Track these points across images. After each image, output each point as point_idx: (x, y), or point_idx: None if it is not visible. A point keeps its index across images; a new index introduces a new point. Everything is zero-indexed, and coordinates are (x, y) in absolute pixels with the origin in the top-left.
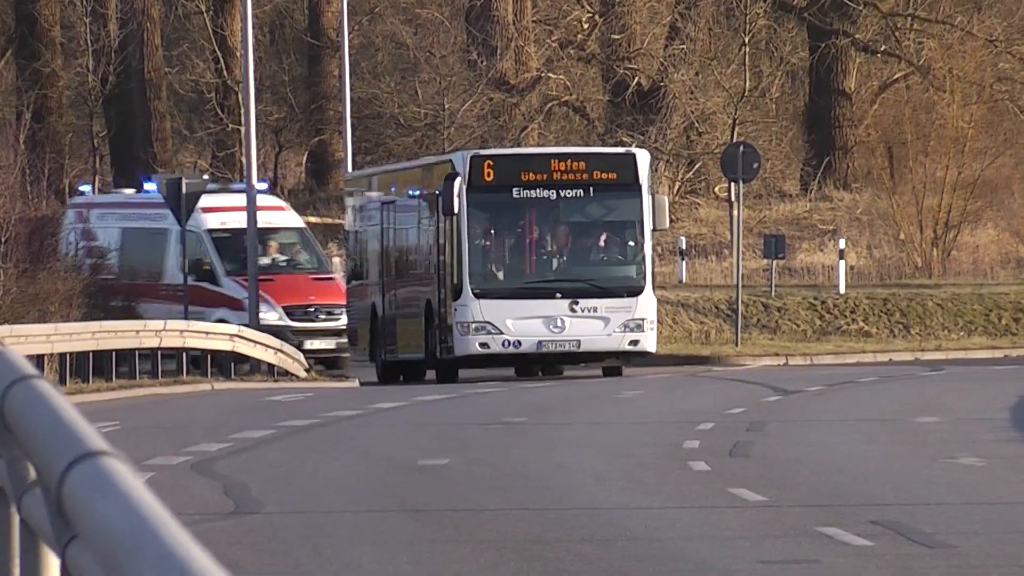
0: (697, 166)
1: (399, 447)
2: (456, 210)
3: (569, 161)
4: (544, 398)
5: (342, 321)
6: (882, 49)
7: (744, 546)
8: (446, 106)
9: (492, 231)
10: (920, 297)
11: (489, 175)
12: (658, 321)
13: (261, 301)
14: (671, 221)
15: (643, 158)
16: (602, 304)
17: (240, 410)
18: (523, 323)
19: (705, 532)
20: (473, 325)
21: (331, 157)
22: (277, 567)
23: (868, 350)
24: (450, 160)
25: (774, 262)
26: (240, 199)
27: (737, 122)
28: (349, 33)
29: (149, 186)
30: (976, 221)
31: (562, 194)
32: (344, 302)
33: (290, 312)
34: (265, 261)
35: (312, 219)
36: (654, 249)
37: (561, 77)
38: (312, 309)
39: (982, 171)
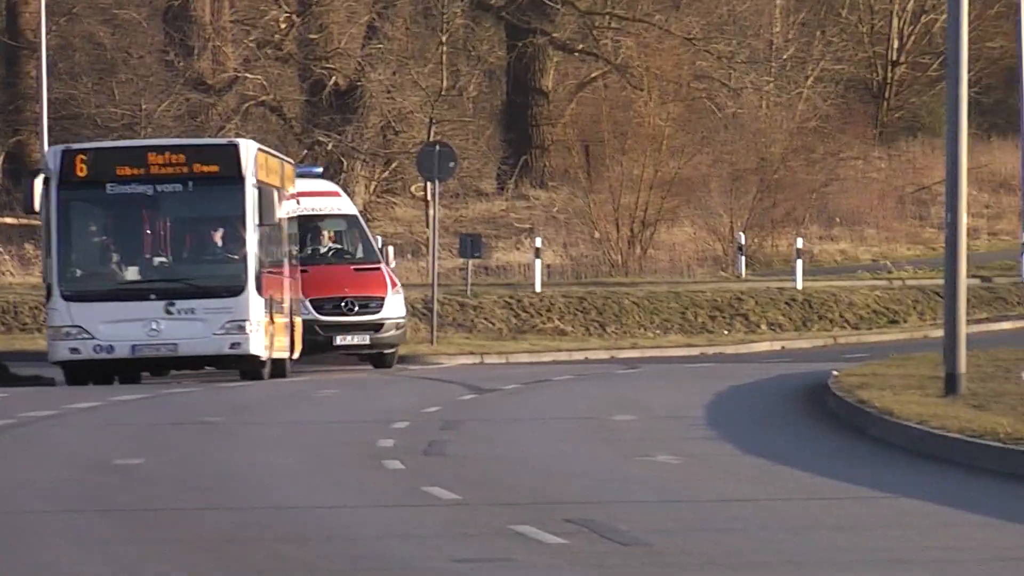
0: (394, 165)
1: (95, 447)
2: (35, 208)
3: (167, 154)
4: (241, 398)
5: (382, 314)
6: (580, 48)
7: (438, 545)
8: (143, 106)
9: (84, 230)
10: (616, 295)
11: (82, 170)
12: None
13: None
14: (367, 220)
15: (247, 149)
16: (200, 305)
17: None
18: (116, 327)
19: (399, 531)
20: (63, 329)
21: (28, 158)
22: None
23: (564, 348)
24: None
25: (470, 261)
26: (308, 184)
27: (434, 121)
28: (47, 33)
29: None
30: (673, 219)
31: (160, 189)
32: (385, 294)
33: (318, 305)
34: (315, 251)
35: (9, 220)
36: (263, 245)
37: (258, 77)
38: (344, 302)
39: (679, 169)
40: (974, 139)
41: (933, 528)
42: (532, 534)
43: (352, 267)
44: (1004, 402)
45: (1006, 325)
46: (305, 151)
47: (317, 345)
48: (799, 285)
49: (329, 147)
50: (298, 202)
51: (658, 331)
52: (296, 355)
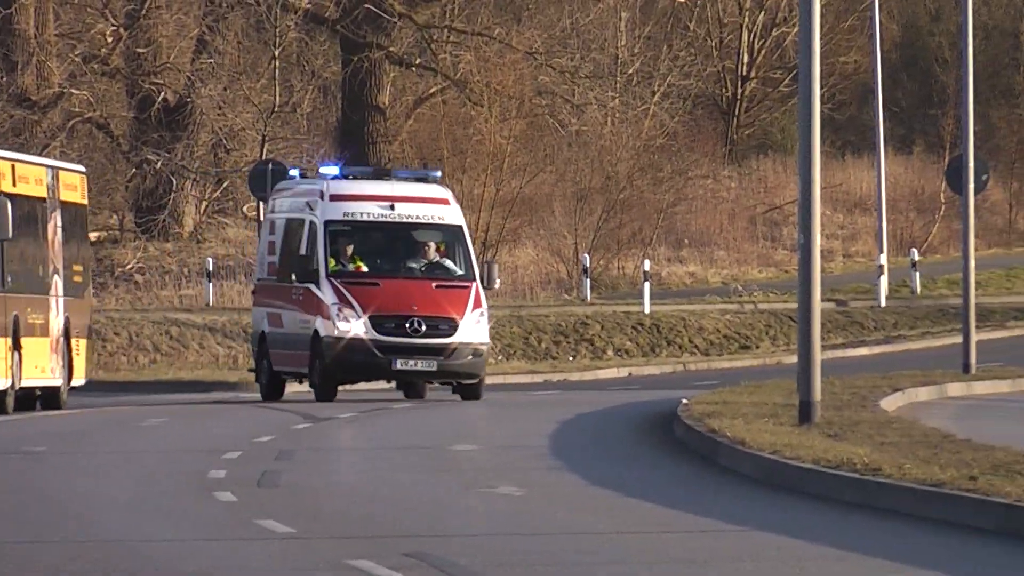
0: (225, 184)
1: None
2: None
3: None
4: (65, 426)
5: (455, 338)
6: (417, 62)
7: None
8: None
9: None
10: None
11: None
12: (184, 346)
13: (345, 308)
14: (199, 242)
15: None
16: None
17: None
18: None
19: (232, 564)
20: None
21: None
22: None
23: None
24: None
25: None
26: (411, 188)
27: (267, 138)
28: None
29: (326, 170)
30: (515, 240)
31: None
32: (460, 316)
33: (378, 324)
34: (399, 262)
35: None
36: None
37: (84, 93)
38: (410, 322)
39: (521, 188)
40: (827, 157)
41: (787, 562)
42: (369, 568)
43: (433, 283)
44: (860, 431)
45: (862, 351)
46: (133, 169)
47: (374, 368)
48: (647, 309)
49: (158, 166)
50: (392, 207)
51: (500, 357)
52: (80, 382)
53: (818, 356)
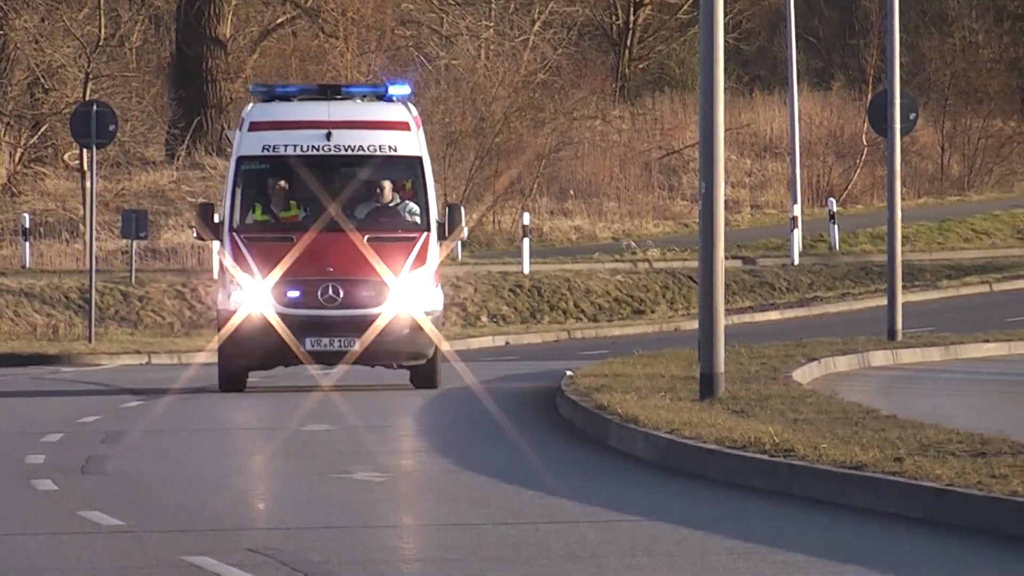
0: (43, 129)
1: None
2: None
3: None
4: None
5: (384, 307)
6: None
7: None
8: None
9: None
10: None
11: None
12: None
13: (241, 273)
14: (13, 195)
15: None
16: None
17: None
18: None
19: (53, 563)
20: None
21: None
22: None
23: None
24: None
25: (134, 243)
26: (334, 109)
27: (91, 76)
28: None
29: (259, 90)
30: None
31: None
32: (393, 278)
33: (281, 292)
34: (353, 211)
35: None
36: None
37: None
38: (323, 288)
39: None
40: (733, 94)
41: (686, 556)
42: (210, 566)
43: (367, 235)
44: (770, 407)
45: (773, 315)
46: None
47: (278, 350)
48: (526, 269)
49: None
50: (328, 136)
51: None
52: None
53: (722, 321)
